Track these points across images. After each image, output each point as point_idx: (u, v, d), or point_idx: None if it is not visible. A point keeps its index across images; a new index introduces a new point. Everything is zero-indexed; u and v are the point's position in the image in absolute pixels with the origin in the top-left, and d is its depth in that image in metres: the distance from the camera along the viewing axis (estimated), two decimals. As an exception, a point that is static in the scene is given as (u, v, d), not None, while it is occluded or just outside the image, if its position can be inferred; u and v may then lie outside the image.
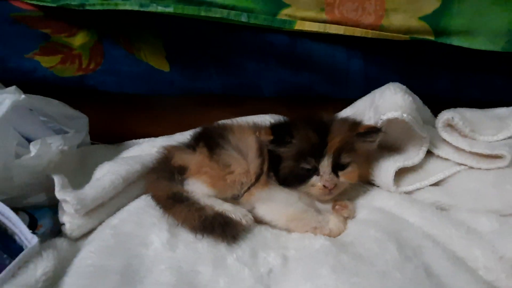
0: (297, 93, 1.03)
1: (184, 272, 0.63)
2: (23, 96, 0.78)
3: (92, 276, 0.61)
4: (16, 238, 0.66)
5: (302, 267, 0.63)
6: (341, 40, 0.87)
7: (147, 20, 0.89)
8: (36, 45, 0.93)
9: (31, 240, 0.63)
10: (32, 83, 0.90)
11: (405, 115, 0.73)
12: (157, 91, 1.06)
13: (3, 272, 0.57)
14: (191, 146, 0.84)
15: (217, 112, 1.03)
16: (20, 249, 0.64)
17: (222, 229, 0.70)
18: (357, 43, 0.88)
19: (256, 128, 0.84)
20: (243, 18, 0.83)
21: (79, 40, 0.94)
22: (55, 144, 0.83)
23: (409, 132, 0.77)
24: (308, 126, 0.77)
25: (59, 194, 0.73)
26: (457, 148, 0.78)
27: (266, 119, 0.95)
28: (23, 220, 0.70)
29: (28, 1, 0.85)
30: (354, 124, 0.78)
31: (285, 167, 0.77)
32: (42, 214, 0.77)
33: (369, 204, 0.78)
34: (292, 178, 0.77)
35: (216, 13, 0.82)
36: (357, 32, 0.83)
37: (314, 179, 0.75)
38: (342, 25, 0.83)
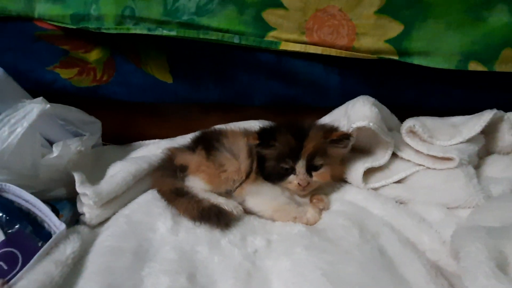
0: (283, 103, 1.07)
1: (185, 251, 0.70)
2: (48, 105, 0.81)
3: (110, 254, 0.68)
4: (45, 225, 0.74)
5: (281, 247, 0.70)
6: (319, 58, 0.93)
7: (153, 40, 0.93)
8: (57, 59, 0.98)
9: (59, 226, 0.71)
10: (52, 92, 0.95)
11: (371, 124, 0.80)
12: (161, 99, 1.09)
13: (40, 251, 0.64)
14: (191, 148, 0.89)
15: (214, 118, 1.07)
16: (48, 234, 0.72)
17: (217, 218, 0.76)
18: (334, 61, 0.93)
19: (246, 133, 0.89)
20: (236, 40, 0.89)
21: (94, 55, 0.98)
22: (74, 146, 0.87)
23: (376, 137, 0.84)
24: (289, 132, 0.82)
25: (79, 188, 0.79)
26: (417, 151, 0.85)
27: (256, 124, 0.99)
28: (46, 211, 0.75)
29: (51, 22, 0.90)
30: (329, 131, 0.83)
31: (269, 166, 0.83)
32: (62, 205, 0.82)
33: (341, 198, 0.85)
34: (274, 176, 0.83)
35: (212, 36, 0.88)
36: (333, 52, 0.89)
37: (291, 177, 0.81)
38: (320, 46, 0.89)
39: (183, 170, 0.85)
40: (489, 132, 0.88)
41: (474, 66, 0.87)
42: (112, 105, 1.09)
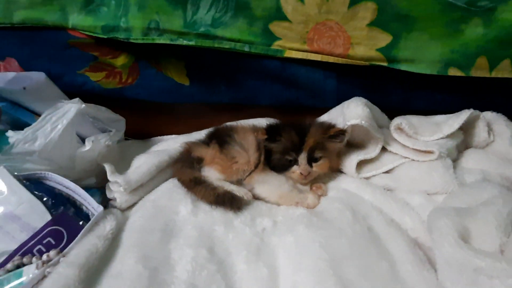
0: (286, 103, 1.11)
1: (205, 230, 0.76)
2: (83, 105, 0.88)
3: (142, 232, 0.75)
4: (83, 207, 0.81)
5: (285, 226, 0.77)
6: (319, 65, 0.97)
7: (172, 48, 0.98)
8: (87, 64, 1.04)
9: (97, 208, 0.78)
10: (82, 93, 0.99)
11: (363, 122, 0.85)
12: (179, 100, 1.12)
13: (85, 228, 0.73)
14: (206, 142, 0.93)
15: (225, 116, 1.11)
16: (87, 215, 0.80)
17: (230, 202, 0.81)
18: (331, 67, 0.98)
19: (255, 129, 0.93)
20: (246, 48, 0.95)
21: (120, 61, 1.04)
22: (103, 140, 0.93)
23: (368, 133, 0.89)
24: (293, 128, 0.87)
25: (111, 177, 0.86)
26: (404, 146, 0.89)
27: (262, 121, 1.03)
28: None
29: (83, 32, 0.96)
30: (327, 128, 0.88)
31: (275, 158, 0.88)
32: (92, 193, 0.86)
33: (337, 186, 0.90)
34: (279, 166, 0.88)
35: (226, 45, 0.94)
36: (331, 59, 0.94)
37: (294, 168, 0.87)
38: (319, 54, 0.94)
39: (199, 162, 0.90)
40: (467, 129, 0.92)
41: (453, 72, 0.91)
42: (135, 104, 1.13)
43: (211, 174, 0.89)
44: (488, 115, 0.94)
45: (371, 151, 0.91)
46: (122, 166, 0.94)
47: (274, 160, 0.89)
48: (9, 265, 0.69)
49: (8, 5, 0.96)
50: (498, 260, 0.53)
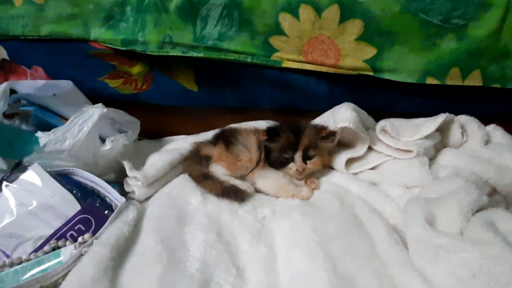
0: (284, 107, 1.15)
1: (213, 217, 0.83)
2: (105, 109, 0.95)
3: (160, 219, 0.82)
4: (107, 199, 0.88)
5: (282, 214, 0.83)
6: (312, 73, 1.02)
7: (183, 58, 1.03)
8: (106, 72, 1.10)
9: (120, 200, 0.85)
10: (102, 98, 1.07)
11: (351, 124, 0.91)
12: (188, 104, 1.18)
13: (112, 216, 0.79)
14: (213, 142, 0.98)
15: (229, 119, 1.15)
16: (110, 206, 0.86)
17: (235, 194, 0.87)
18: (323, 75, 1.03)
19: (256, 130, 0.98)
20: (249, 59, 1.00)
21: (136, 69, 1.10)
22: (121, 140, 1.00)
23: (356, 135, 0.95)
24: (289, 130, 0.92)
25: (130, 172, 0.92)
26: (387, 145, 0.94)
27: (263, 123, 1.08)
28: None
29: (104, 44, 1.04)
30: (320, 130, 0.94)
31: (274, 156, 0.94)
32: (112, 187, 0.89)
33: (328, 180, 0.96)
34: (278, 163, 0.94)
35: (231, 56, 1.00)
36: (323, 69, 1.00)
37: (291, 164, 0.92)
38: (313, 64, 1.00)
39: (207, 159, 0.96)
40: (443, 131, 0.97)
41: (430, 80, 0.97)
42: (148, 108, 1.18)
43: (218, 170, 0.94)
44: (462, 118, 0.98)
45: (359, 150, 0.97)
46: (138, 163, 1.00)
47: (273, 158, 0.95)
48: (46, 248, 0.77)
49: (37, 20, 1.05)
50: (455, 239, 0.62)
